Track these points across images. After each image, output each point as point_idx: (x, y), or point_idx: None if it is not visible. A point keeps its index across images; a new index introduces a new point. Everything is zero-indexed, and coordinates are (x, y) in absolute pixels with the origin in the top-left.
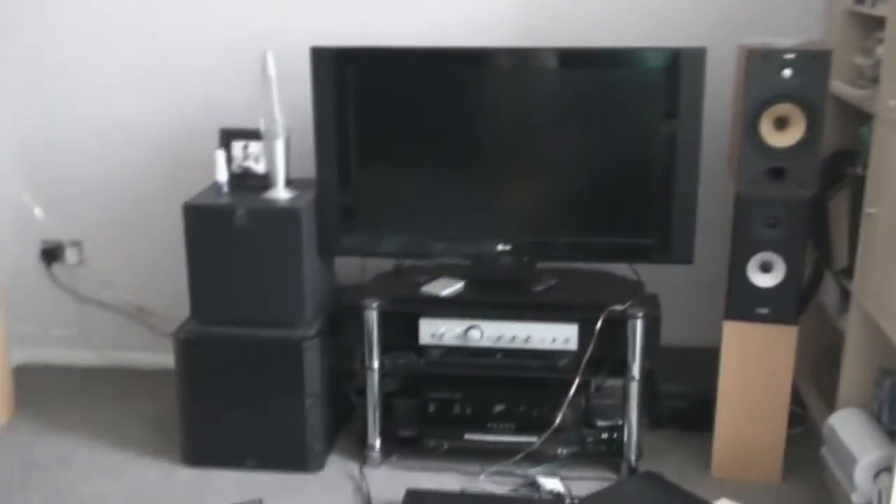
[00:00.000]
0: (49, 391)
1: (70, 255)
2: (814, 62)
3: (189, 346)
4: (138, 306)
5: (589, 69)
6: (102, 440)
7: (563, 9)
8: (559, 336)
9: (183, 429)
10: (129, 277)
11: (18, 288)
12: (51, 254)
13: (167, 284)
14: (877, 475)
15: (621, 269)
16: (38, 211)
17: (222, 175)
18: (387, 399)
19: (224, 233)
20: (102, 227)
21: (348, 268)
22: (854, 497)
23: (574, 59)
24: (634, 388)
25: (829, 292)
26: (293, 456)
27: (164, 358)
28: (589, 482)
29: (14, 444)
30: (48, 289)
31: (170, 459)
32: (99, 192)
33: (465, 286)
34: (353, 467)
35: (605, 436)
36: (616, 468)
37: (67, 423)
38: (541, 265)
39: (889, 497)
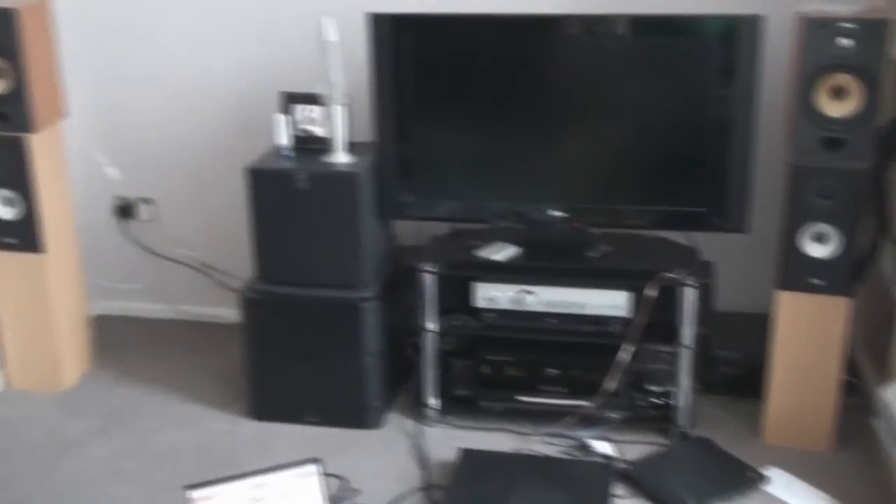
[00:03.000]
0: (124, 342)
1: (143, 212)
2: (871, 31)
3: (254, 304)
4: (206, 263)
5: (646, 35)
6: (174, 391)
7: None
8: (612, 302)
9: (248, 383)
10: (198, 235)
11: (95, 243)
12: (124, 210)
13: (233, 243)
14: None
15: (678, 234)
16: (110, 170)
17: (283, 138)
18: (444, 358)
19: (286, 195)
20: (173, 186)
21: (405, 227)
22: None
23: (632, 25)
24: (685, 356)
25: (886, 262)
26: (352, 413)
27: (230, 312)
28: (639, 446)
29: (95, 392)
30: (122, 244)
31: (236, 412)
32: (169, 152)
33: (520, 251)
34: (411, 425)
35: (656, 401)
36: (666, 433)
37: (142, 374)
38: (595, 231)
39: None
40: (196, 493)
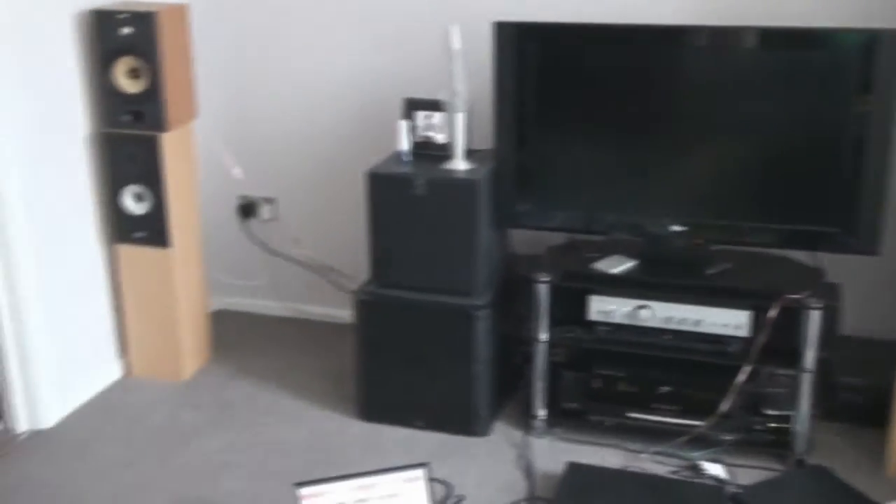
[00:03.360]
0: (241, 337)
1: (265, 211)
2: None
3: (368, 306)
4: (323, 264)
5: (778, 49)
6: (286, 388)
7: None
8: (731, 321)
9: (358, 384)
10: (317, 236)
11: (217, 240)
12: (247, 209)
13: (351, 245)
14: None
15: (801, 253)
16: (237, 171)
17: (404, 144)
18: (554, 370)
19: (404, 200)
20: (295, 187)
21: (520, 236)
22: None
23: (763, 38)
24: (806, 380)
25: None
26: (460, 419)
27: (344, 313)
28: (752, 471)
29: (211, 385)
30: (243, 242)
31: (345, 412)
32: (293, 154)
33: (637, 264)
34: (517, 435)
35: (772, 425)
36: (782, 459)
37: (256, 370)
38: (715, 248)
39: None
40: (304, 491)
